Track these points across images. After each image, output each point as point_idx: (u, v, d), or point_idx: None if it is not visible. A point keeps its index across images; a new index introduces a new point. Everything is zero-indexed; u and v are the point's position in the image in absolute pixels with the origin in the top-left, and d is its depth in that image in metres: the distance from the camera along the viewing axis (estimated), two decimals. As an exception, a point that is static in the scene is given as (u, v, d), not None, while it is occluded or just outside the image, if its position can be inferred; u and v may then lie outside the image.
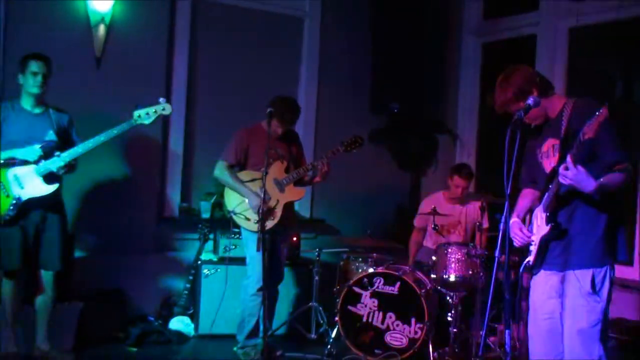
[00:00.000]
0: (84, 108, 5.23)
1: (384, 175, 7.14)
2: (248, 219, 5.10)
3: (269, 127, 4.94)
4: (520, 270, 3.60)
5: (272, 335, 5.49)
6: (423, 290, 5.24)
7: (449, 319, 5.36)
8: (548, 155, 3.41)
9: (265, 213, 4.80)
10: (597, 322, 3.20)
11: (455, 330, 5.29)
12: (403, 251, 6.20)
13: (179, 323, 5.61)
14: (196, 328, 5.67)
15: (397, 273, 5.30)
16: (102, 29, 5.72)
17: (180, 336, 5.54)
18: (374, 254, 5.65)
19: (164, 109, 4.67)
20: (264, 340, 4.65)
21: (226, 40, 6.45)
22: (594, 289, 3.20)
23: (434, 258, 5.48)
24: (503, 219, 3.32)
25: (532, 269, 3.45)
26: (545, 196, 3.33)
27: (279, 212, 5.15)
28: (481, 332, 5.27)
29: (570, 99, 3.42)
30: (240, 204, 5.13)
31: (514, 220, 3.50)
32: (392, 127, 7.09)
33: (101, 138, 4.54)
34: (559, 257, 3.32)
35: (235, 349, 5.23)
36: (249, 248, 5.13)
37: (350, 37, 6.94)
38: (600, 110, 2.95)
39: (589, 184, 3.08)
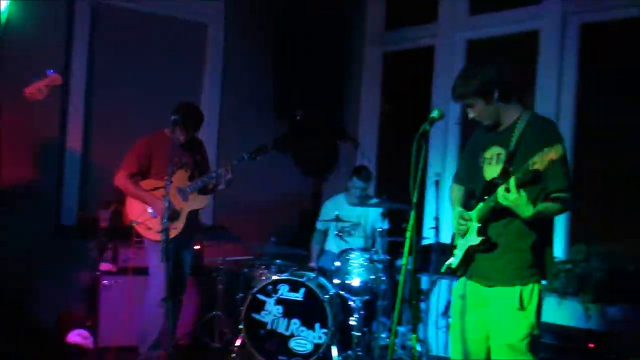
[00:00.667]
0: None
1: (287, 182, 7.19)
2: (150, 228, 5.02)
3: (173, 135, 4.89)
4: (441, 271, 3.61)
5: (176, 345, 5.41)
6: (327, 296, 5.31)
7: (353, 323, 5.45)
8: (490, 162, 3.35)
9: (173, 215, 4.79)
10: (526, 336, 3.18)
11: (358, 334, 5.39)
12: (307, 257, 6.27)
13: (78, 336, 5.45)
14: (95, 341, 5.52)
15: (301, 279, 5.35)
16: (-5, 31, 5.51)
17: (78, 350, 5.39)
18: (278, 261, 5.68)
19: (54, 80, 4.51)
20: (167, 351, 4.59)
21: (128, 44, 6.34)
22: (522, 305, 3.18)
23: (337, 264, 5.56)
24: (410, 227, 3.33)
25: (455, 273, 3.43)
26: (480, 206, 3.28)
27: (182, 220, 5.10)
28: (384, 335, 5.45)
29: (527, 111, 3.35)
30: (142, 213, 5.05)
31: (459, 209, 3.45)
32: (296, 134, 7.16)
33: None
34: (486, 271, 3.30)
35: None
36: (152, 258, 5.05)
37: (254, 44, 6.96)
38: (556, 147, 2.88)
39: (526, 211, 3.06)
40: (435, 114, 3.31)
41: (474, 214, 3.32)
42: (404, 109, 7.25)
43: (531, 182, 3.06)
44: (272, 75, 7.00)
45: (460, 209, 3.45)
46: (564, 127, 5.49)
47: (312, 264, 6.10)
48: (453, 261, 3.44)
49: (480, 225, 3.26)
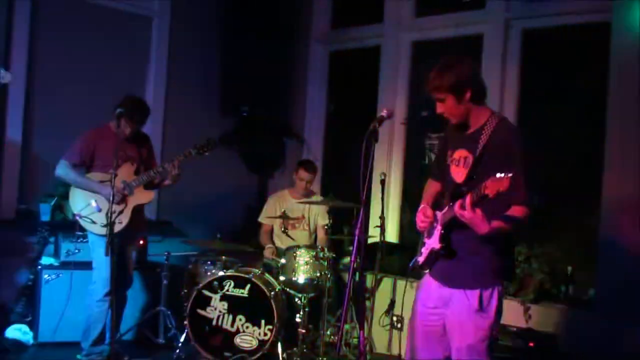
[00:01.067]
0: None
1: (233, 178, 7.20)
2: (94, 222, 4.99)
3: (117, 128, 4.86)
4: (409, 268, 3.59)
5: (120, 340, 5.36)
6: (272, 293, 5.34)
7: (298, 320, 5.50)
8: (458, 164, 3.32)
9: (112, 216, 4.70)
10: (485, 338, 3.21)
11: (303, 331, 5.44)
12: (252, 253, 6.27)
13: (16, 331, 5.36)
14: (35, 336, 5.44)
15: (247, 276, 5.36)
16: None
17: (17, 345, 5.29)
18: (223, 257, 5.67)
19: (3, 78, 4.44)
20: (110, 346, 4.54)
21: (71, 35, 6.21)
22: (481, 307, 3.19)
23: (282, 260, 5.60)
24: (358, 224, 3.35)
25: (421, 269, 3.44)
26: (445, 210, 3.29)
27: (127, 215, 5.08)
28: (329, 332, 5.51)
29: (495, 114, 3.28)
30: (86, 206, 5.01)
31: (423, 205, 3.45)
32: (242, 130, 7.16)
33: None
34: (448, 273, 3.31)
35: (79, 356, 5.07)
36: (96, 252, 5.03)
37: (200, 38, 6.94)
38: (505, 176, 2.83)
39: (482, 228, 3.06)
40: (385, 113, 3.34)
41: (440, 216, 3.34)
42: (350, 107, 7.35)
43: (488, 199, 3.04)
44: (218, 71, 6.98)
45: (424, 205, 3.46)
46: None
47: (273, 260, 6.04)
48: (419, 259, 3.47)
49: (443, 231, 3.28)
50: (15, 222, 5.91)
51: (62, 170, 5.05)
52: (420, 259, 3.44)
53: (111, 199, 4.43)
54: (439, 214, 3.36)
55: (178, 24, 6.81)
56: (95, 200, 5.04)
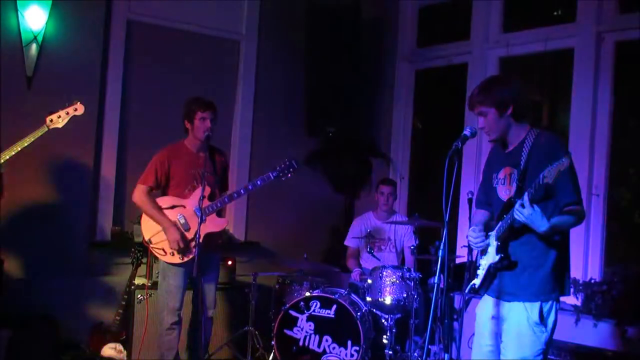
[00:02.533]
0: (15, 128, 5.09)
1: (319, 198, 7.22)
2: (164, 251, 4.89)
3: (203, 126, 4.78)
4: (465, 292, 3.67)
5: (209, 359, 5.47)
6: (359, 313, 5.32)
7: (385, 341, 5.46)
8: (504, 182, 3.45)
9: (184, 247, 4.78)
10: (540, 352, 3.27)
11: (390, 352, 5.39)
12: (338, 274, 6.29)
13: (111, 350, 5.51)
14: (129, 354, 5.58)
15: (333, 296, 5.36)
16: (34, 48, 5.63)
17: (112, 363, 5.46)
18: (310, 277, 5.71)
19: (75, 109, 4.60)
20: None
21: (162, 62, 6.42)
22: (542, 319, 3.27)
23: (369, 281, 5.58)
24: (442, 245, 3.36)
25: (478, 292, 3.51)
26: (499, 225, 3.38)
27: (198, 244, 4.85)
28: (416, 354, 5.44)
29: (534, 130, 3.43)
30: (157, 234, 4.92)
31: (473, 227, 3.58)
32: (328, 150, 7.20)
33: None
34: (506, 287, 3.38)
35: None
36: (165, 280, 4.96)
37: (286, 60, 7.03)
38: (563, 160, 2.99)
39: (542, 225, 3.16)
40: (467, 132, 3.37)
41: (493, 233, 3.42)
42: (436, 126, 7.29)
43: (544, 197, 3.21)
44: (304, 92, 7.05)
45: (474, 226, 3.59)
46: (599, 144, 5.48)
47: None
48: (476, 281, 3.51)
49: (499, 243, 3.35)
50: (111, 243, 6.11)
51: (138, 196, 4.94)
52: (477, 282, 3.51)
53: (199, 219, 4.44)
54: (491, 233, 3.45)
55: (265, 47, 6.92)
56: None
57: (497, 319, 3.46)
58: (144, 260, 5.84)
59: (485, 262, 3.46)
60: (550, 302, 3.30)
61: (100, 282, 5.98)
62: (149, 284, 5.76)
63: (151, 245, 4.94)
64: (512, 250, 3.34)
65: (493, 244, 3.39)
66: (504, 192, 3.45)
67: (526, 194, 3.13)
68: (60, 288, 5.72)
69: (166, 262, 4.93)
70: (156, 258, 5.61)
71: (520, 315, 3.30)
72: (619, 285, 4.86)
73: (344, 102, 7.00)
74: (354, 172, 7.54)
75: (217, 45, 6.75)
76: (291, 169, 5.01)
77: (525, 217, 3.14)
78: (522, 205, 3.12)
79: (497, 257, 3.35)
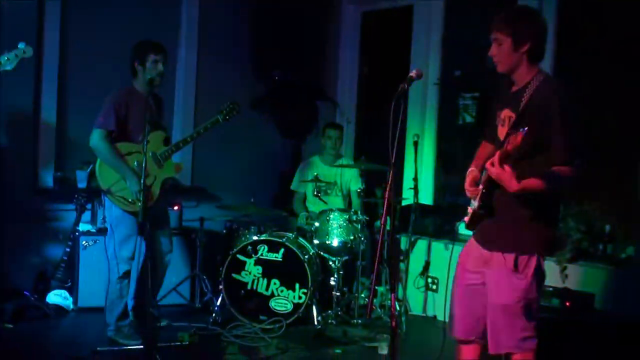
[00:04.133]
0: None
1: (266, 143, 7.15)
2: (126, 200, 4.70)
3: (139, 80, 4.64)
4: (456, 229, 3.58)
5: (155, 305, 5.41)
6: (306, 256, 5.34)
7: (332, 283, 5.52)
8: (503, 124, 3.28)
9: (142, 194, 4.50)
10: (520, 300, 3.16)
11: (338, 294, 5.45)
12: (286, 218, 6.28)
13: (57, 297, 5.44)
14: (75, 301, 5.52)
15: (280, 240, 5.37)
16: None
17: (58, 310, 5.37)
18: (258, 222, 5.69)
19: (24, 52, 4.40)
20: (148, 311, 4.56)
21: (100, 6, 6.15)
22: (516, 269, 3.16)
23: (316, 224, 5.59)
24: (388, 187, 3.32)
25: (467, 228, 3.39)
26: (483, 172, 3.25)
27: (156, 190, 4.81)
28: (364, 295, 5.51)
29: (541, 73, 3.20)
30: (116, 182, 4.69)
31: (471, 169, 3.41)
32: (274, 94, 7.10)
33: None
34: (488, 236, 3.29)
35: (109, 334, 4.87)
36: (119, 229, 4.77)
37: (231, 3, 6.84)
38: (521, 130, 2.84)
39: (511, 185, 3.01)
40: (413, 73, 3.23)
41: (483, 177, 3.28)
42: (383, 69, 7.24)
43: (534, 151, 3.04)
44: (250, 35, 6.92)
45: (471, 169, 3.42)
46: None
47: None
48: (466, 219, 3.39)
49: (484, 191, 3.23)
50: (53, 190, 5.96)
51: (97, 142, 4.65)
52: (467, 219, 3.38)
53: (143, 167, 4.18)
54: (484, 174, 3.28)
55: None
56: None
57: (474, 269, 3.37)
58: (88, 206, 5.73)
59: (471, 206, 3.35)
60: (527, 256, 3.17)
61: (43, 229, 5.85)
62: (94, 230, 5.66)
63: (111, 194, 4.70)
64: (497, 198, 3.21)
65: (479, 188, 3.27)
66: (501, 134, 3.28)
67: (497, 153, 2.99)
68: (2, 235, 5.58)
69: (123, 210, 4.73)
70: (100, 204, 5.56)
71: (499, 264, 3.21)
72: (561, 224, 4.94)
73: (290, 46, 6.90)
74: (301, 117, 7.47)
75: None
76: (234, 111, 5.03)
77: (494, 176, 3.03)
78: (492, 164, 3.00)
79: (476, 205, 3.26)
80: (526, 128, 2.84)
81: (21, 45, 4.40)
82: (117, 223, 4.78)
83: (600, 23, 5.37)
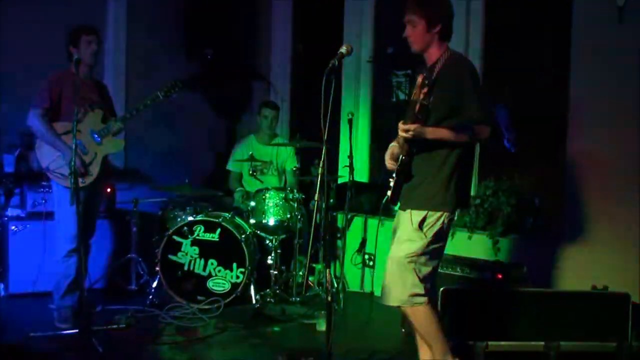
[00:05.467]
0: None
1: (200, 123, 7.08)
2: (64, 176, 4.69)
3: (77, 67, 4.61)
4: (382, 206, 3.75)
5: (91, 289, 5.32)
6: (243, 236, 5.33)
7: (270, 261, 5.52)
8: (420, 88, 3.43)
9: (82, 169, 4.67)
10: (412, 256, 3.39)
11: (275, 272, 5.47)
12: (222, 198, 6.24)
13: (-14, 284, 5.30)
14: (6, 288, 5.38)
15: (217, 220, 5.34)
16: None
17: (-12, 297, 5.24)
18: (193, 202, 5.64)
19: None
20: (80, 297, 4.49)
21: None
22: (420, 227, 3.38)
23: (252, 203, 5.57)
24: (321, 164, 3.38)
25: (392, 203, 3.53)
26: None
27: (96, 166, 4.85)
28: (301, 273, 5.53)
29: (449, 50, 3.49)
30: (55, 160, 4.76)
31: (392, 144, 3.62)
32: (207, 74, 7.02)
33: None
34: (404, 197, 3.46)
35: (50, 306, 4.91)
36: (61, 205, 4.77)
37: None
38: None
39: (425, 134, 3.29)
40: (343, 49, 3.36)
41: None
42: (316, 48, 7.19)
43: (450, 115, 3.37)
44: (180, 13, 6.80)
45: (392, 144, 3.63)
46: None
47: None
48: (389, 192, 3.52)
49: (403, 157, 3.40)
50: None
51: (34, 121, 4.75)
52: (389, 193, 3.51)
53: (74, 149, 4.22)
54: (401, 142, 3.48)
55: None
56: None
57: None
58: (17, 191, 5.57)
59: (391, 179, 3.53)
60: (436, 214, 3.40)
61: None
62: (24, 215, 5.53)
63: (50, 171, 4.75)
64: (414, 162, 3.42)
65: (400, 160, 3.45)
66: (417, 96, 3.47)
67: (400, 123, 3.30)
68: None
69: (63, 187, 4.71)
70: (30, 188, 5.46)
71: (406, 221, 3.42)
72: (492, 199, 5.07)
73: (222, 24, 6.82)
74: (235, 96, 7.42)
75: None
76: (176, 87, 5.11)
77: (410, 134, 3.27)
78: (404, 124, 3.28)
79: (395, 175, 3.45)
80: (432, 78, 3.24)
81: None
82: (59, 200, 4.80)
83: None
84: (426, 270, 3.43)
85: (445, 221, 3.43)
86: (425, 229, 3.39)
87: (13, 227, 5.42)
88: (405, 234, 3.43)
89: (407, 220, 3.43)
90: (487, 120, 3.40)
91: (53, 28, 5.78)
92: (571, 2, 4.79)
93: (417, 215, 3.40)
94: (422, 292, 3.41)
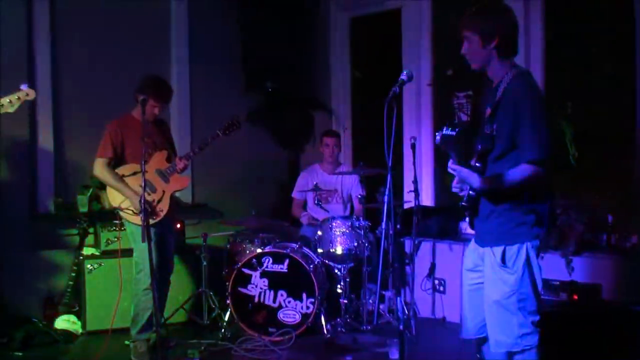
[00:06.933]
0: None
1: (263, 155, 7.18)
2: (135, 213, 4.92)
3: (143, 115, 4.82)
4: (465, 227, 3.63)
5: (165, 325, 5.43)
6: (311, 266, 5.35)
7: (339, 290, 5.52)
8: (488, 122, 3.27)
9: (151, 207, 4.82)
10: (512, 294, 3.13)
11: (345, 301, 5.46)
12: (289, 228, 6.29)
13: (65, 322, 5.44)
14: (84, 325, 5.52)
15: (284, 251, 5.38)
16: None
17: (67, 335, 5.37)
18: (260, 234, 5.71)
19: (27, 95, 4.43)
20: (156, 332, 4.58)
21: (90, 26, 6.17)
22: (504, 262, 3.15)
23: (319, 233, 5.60)
24: (387, 191, 3.33)
25: (463, 209, 3.36)
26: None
27: (166, 203, 5.03)
28: (371, 301, 5.52)
29: (515, 69, 3.20)
30: (123, 200, 4.96)
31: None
32: (268, 106, 7.13)
33: None
34: (479, 232, 3.31)
35: (127, 342, 5.09)
36: (137, 242, 4.95)
37: (220, 15, 6.86)
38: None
39: (474, 182, 3.12)
40: (404, 76, 3.28)
41: None
42: (375, 73, 7.24)
43: (509, 146, 3.11)
44: (240, 47, 6.94)
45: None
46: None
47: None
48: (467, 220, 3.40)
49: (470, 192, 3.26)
50: (54, 215, 5.96)
51: (99, 170, 4.97)
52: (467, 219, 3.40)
53: (143, 187, 4.34)
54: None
55: (196, 4, 6.75)
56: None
57: (474, 268, 3.40)
58: (91, 230, 5.75)
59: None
60: (515, 245, 3.14)
61: (46, 255, 5.86)
62: (99, 253, 5.69)
63: (123, 210, 4.94)
64: (478, 197, 3.24)
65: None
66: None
67: (451, 157, 3.12)
68: (8, 263, 5.57)
69: (136, 224, 4.89)
70: (103, 227, 5.64)
71: (489, 259, 3.22)
72: (563, 217, 4.96)
73: (280, 55, 6.92)
74: (296, 127, 7.49)
75: (147, 3, 6.51)
76: (234, 126, 5.22)
77: (454, 173, 3.16)
78: (452, 169, 3.14)
79: (461, 204, 3.31)
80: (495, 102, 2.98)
81: (23, 87, 4.41)
82: (134, 237, 5.00)
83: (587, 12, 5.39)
84: (529, 304, 3.16)
85: (529, 249, 3.17)
86: (509, 263, 3.16)
87: (89, 266, 5.57)
88: (493, 272, 3.20)
89: (489, 257, 3.22)
90: (539, 160, 3.05)
91: (113, 72, 5.99)
92: (633, 8, 4.68)
93: (496, 250, 3.18)
94: (530, 330, 3.15)
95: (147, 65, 6.32)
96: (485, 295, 3.25)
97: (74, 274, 5.55)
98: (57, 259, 5.87)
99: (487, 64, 3.22)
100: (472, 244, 3.41)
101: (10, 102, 4.34)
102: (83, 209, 5.91)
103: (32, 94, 4.45)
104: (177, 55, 6.69)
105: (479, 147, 3.20)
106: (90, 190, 5.95)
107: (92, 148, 5.09)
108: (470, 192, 3.24)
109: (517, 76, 3.18)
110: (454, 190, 3.43)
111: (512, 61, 3.24)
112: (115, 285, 5.35)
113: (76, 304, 5.56)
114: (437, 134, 3.21)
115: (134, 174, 4.95)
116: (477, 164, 3.20)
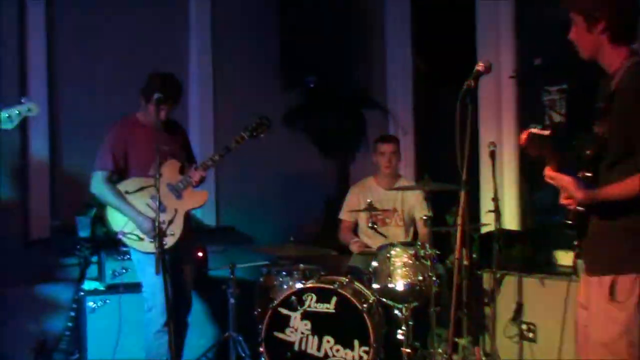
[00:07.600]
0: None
1: (304, 166, 7.20)
2: (141, 239, 4.94)
3: (148, 117, 4.77)
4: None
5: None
6: (365, 305, 5.24)
7: (400, 337, 5.40)
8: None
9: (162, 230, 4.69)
10: (622, 334, 3.10)
11: (408, 350, 5.33)
12: (336, 258, 6.21)
13: (62, 370, 5.47)
14: (83, 372, 5.56)
15: (331, 286, 5.29)
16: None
17: (65, 385, 5.42)
18: (301, 265, 5.65)
19: (29, 110, 4.50)
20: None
21: (94, 17, 6.30)
22: (613, 296, 3.12)
23: (374, 264, 5.50)
24: (460, 211, 3.33)
25: (568, 228, 3.35)
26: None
27: (179, 225, 5.00)
28: (441, 350, 5.40)
29: (633, 56, 3.17)
30: (127, 223, 4.97)
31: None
32: (310, 106, 7.12)
33: None
34: (587, 258, 3.30)
35: None
36: (146, 274, 4.97)
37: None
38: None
39: (577, 193, 3.11)
40: (480, 66, 3.30)
41: None
42: (443, 64, 7.17)
43: (626, 154, 3.08)
44: (275, 35, 6.98)
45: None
46: None
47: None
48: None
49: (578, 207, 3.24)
50: (50, 241, 6.02)
51: (97, 186, 5.02)
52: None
53: (157, 206, 4.41)
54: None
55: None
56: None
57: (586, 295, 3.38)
58: (94, 259, 5.75)
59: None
60: (629, 276, 3.11)
61: (40, 290, 5.85)
62: (103, 288, 5.70)
63: (124, 235, 4.96)
64: (589, 212, 3.20)
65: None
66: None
67: (547, 162, 3.13)
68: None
69: (142, 252, 4.96)
70: (109, 256, 5.74)
71: (596, 292, 3.20)
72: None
73: (325, 45, 6.92)
74: (344, 130, 7.46)
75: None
76: (263, 126, 5.21)
77: (553, 183, 3.15)
78: (550, 177, 3.14)
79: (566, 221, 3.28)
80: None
81: (24, 100, 4.47)
82: (141, 268, 5.04)
83: None
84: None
85: None
86: (619, 298, 3.12)
87: (91, 304, 5.58)
88: (600, 308, 3.18)
89: (597, 288, 3.19)
90: None
91: (123, 70, 6.00)
92: None
93: (605, 280, 3.15)
94: None
95: (160, 59, 6.38)
96: (589, 336, 3.24)
97: (72, 314, 5.54)
98: (53, 295, 5.86)
99: (597, 51, 3.22)
100: (583, 274, 3.36)
101: (9, 117, 4.42)
102: (84, 233, 5.94)
103: (35, 110, 4.58)
104: (197, 39, 6.74)
105: (588, 151, 3.16)
106: (93, 209, 5.96)
107: (92, 157, 5.13)
108: (578, 207, 3.18)
109: (635, 66, 3.14)
110: (562, 203, 3.33)
111: (631, 47, 3.19)
112: (123, 327, 5.38)
113: (75, 351, 5.57)
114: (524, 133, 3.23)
115: (140, 189, 4.95)
116: (587, 173, 3.18)
